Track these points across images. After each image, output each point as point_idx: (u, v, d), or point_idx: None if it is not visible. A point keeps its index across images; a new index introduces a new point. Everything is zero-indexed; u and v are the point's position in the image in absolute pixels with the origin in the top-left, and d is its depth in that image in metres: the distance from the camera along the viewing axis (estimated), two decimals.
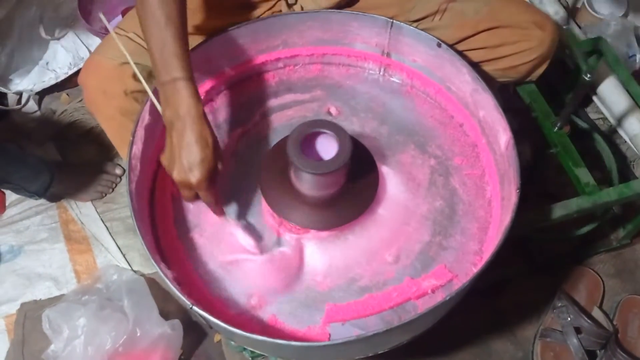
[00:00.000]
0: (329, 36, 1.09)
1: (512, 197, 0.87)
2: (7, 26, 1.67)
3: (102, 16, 0.90)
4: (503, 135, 0.93)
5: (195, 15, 1.08)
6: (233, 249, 0.93)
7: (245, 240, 0.93)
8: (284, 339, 0.77)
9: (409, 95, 1.11)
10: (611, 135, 1.56)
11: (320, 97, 1.10)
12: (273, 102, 1.09)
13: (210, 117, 1.06)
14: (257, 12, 1.12)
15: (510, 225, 0.84)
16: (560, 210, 1.11)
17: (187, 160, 0.83)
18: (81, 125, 1.65)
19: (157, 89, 0.89)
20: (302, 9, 1.11)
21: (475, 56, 1.12)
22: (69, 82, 1.69)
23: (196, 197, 0.88)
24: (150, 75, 1.06)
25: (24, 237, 1.51)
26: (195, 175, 0.83)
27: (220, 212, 0.93)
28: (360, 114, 1.08)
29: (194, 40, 1.02)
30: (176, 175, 0.84)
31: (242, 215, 0.97)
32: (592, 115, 1.58)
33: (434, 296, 0.90)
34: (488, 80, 1.09)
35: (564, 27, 1.58)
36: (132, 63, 0.94)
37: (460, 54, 1.03)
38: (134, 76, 1.04)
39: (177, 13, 0.87)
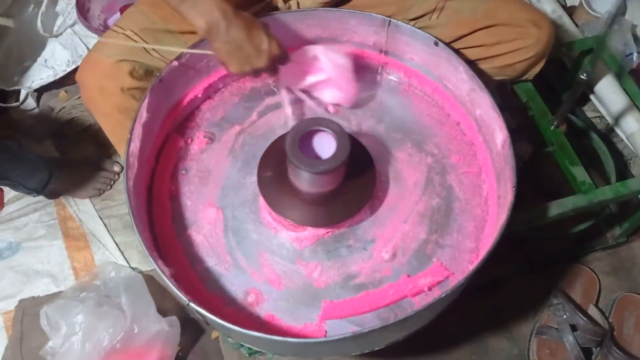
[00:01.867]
0: (327, 34, 1.10)
1: (508, 195, 0.87)
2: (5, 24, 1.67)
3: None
4: (499, 134, 0.94)
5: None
6: None
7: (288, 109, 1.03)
8: (280, 336, 0.78)
9: (406, 94, 1.11)
10: (608, 134, 1.56)
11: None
12: (270, 100, 1.10)
13: (208, 115, 1.08)
14: (254, 9, 1.13)
15: (507, 224, 0.84)
16: (556, 208, 1.11)
17: (251, 47, 0.89)
18: (79, 122, 1.65)
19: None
20: (298, 6, 1.11)
21: (472, 54, 1.13)
22: (68, 80, 1.69)
23: (259, 76, 0.96)
24: (147, 73, 1.06)
25: (22, 233, 1.51)
26: (276, 48, 0.91)
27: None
28: (357, 112, 1.08)
29: (194, 38, 1.03)
30: (263, 62, 0.91)
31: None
32: (589, 114, 1.58)
33: (430, 294, 0.90)
34: (485, 78, 1.10)
35: (561, 25, 1.59)
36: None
37: (457, 52, 1.04)
38: (131, 73, 1.04)
39: None
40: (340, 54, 1.02)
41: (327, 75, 1.02)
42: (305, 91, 1.05)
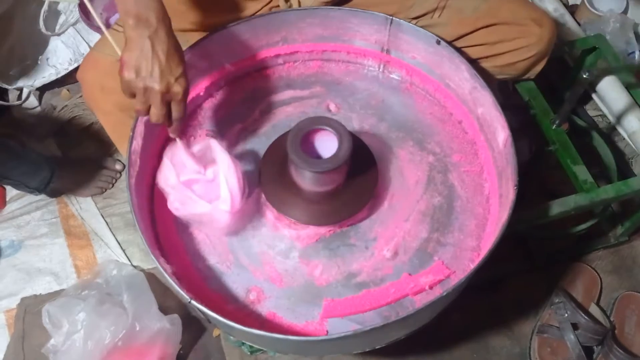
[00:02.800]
0: (329, 33, 1.10)
1: (510, 194, 0.87)
2: (7, 22, 1.67)
3: (93, 13, 0.89)
4: (501, 133, 0.94)
5: (194, 12, 1.08)
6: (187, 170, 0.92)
7: (192, 165, 0.91)
8: (282, 334, 0.78)
9: (408, 92, 1.11)
10: (610, 133, 1.56)
11: (320, 94, 1.10)
12: (272, 99, 1.10)
13: (209, 113, 1.08)
14: (256, 8, 1.13)
15: (508, 222, 0.84)
16: (557, 207, 1.11)
17: (173, 63, 0.81)
18: (81, 121, 1.65)
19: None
20: (299, 4, 1.11)
21: (473, 53, 1.13)
22: (70, 78, 1.69)
23: (149, 112, 0.84)
24: None
25: (25, 232, 1.51)
26: (181, 84, 0.82)
27: (180, 131, 0.89)
28: (359, 110, 1.08)
29: (194, 37, 1.03)
30: (152, 81, 0.80)
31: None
32: (591, 112, 1.58)
33: (431, 292, 0.90)
34: (487, 77, 1.10)
35: (563, 24, 1.59)
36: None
37: (459, 50, 1.04)
38: None
39: None
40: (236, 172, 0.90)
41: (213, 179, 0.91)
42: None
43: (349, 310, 0.88)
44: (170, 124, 0.87)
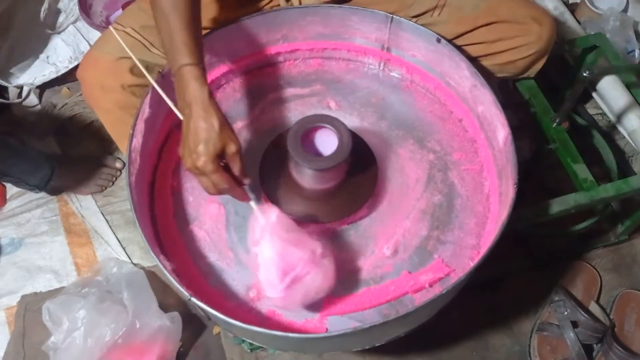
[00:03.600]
0: (329, 31, 1.10)
1: (510, 192, 0.87)
2: (8, 20, 1.67)
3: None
4: (501, 131, 0.94)
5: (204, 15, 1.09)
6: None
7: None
8: (281, 331, 0.78)
9: (409, 90, 1.11)
10: (610, 131, 1.56)
11: (320, 92, 1.10)
12: (273, 96, 1.10)
13: None
14: (257, 6, 1.13)
15: (508, 220, 0.84)
16: (557, 205, 1.11)
17: (194, 143, 0.82)
18: (81, 119, 1.65)
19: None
20: (300, 2, 1.11)
21: (473, 51, 1.13)
22: (70, 76, 1.69)
23: (218, 188, 0.84)
24: (148, 70, 1.06)
25: (25, 230, 1.52)
26: (200, 158, 0.81)
27: (242, 197, 0.87)
28: (359, 108, 1.08)
29: None
30: (186, 163, 0.83)
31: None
32: (592, 111, 1.58)
33: (431, 290, 0.90)
34: (487, 75, 1.10)
35: (563, 22, 1.59)
36: (134, 58, 0.95)
37: (460, 49, 1.04)
38: (131, 70, 1.05)
39: (184, 1, 0.87)
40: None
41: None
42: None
43: (348, 308, 0.89)
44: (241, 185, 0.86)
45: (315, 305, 0.88)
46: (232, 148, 0.83)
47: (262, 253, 0.81)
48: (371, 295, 0.90)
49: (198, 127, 0.82)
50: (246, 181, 0.87)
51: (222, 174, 0.83)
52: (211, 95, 0.84)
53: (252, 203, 0.86)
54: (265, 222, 0.82)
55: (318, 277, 0.81)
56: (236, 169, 0.85)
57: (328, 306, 0.89)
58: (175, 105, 0.88)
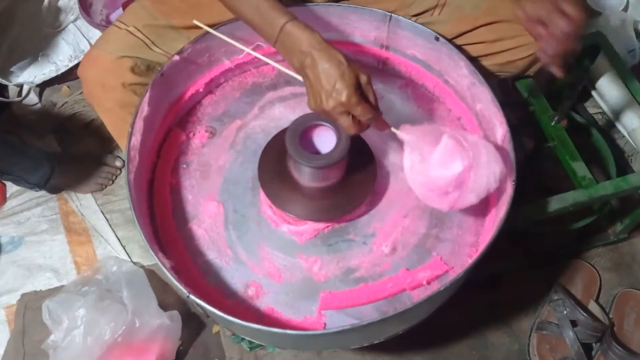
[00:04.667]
0: (328, 29, 1.10)
1: (508, 189, 0.87)
2: (8, 18, 1.67)
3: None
4: (499, 129, 0.94)
5: (195, 10, 1.09)
6: None
7: None
8: (280, 328, 0.78)
9: (407, 89, 1.11)
10: (609, 130, 1.56)
11: None
12: (272, 95, 1.10)
13: (209, 109, 1.08)
14: None
15: (506, 218, 0.84)
16: (556, 203, 1.11)
17: (328, 84, 0.81)
18: (81, 117, 1.65)
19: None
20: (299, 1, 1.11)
21: (473, 51, 1.12)
22: (70, 75, 1.69)
23: (359, 124, 0.84)
24: (148, 69, 1.07)
25: (25, 228, 1.52)
26: (342, 93, 0.80)
27: (384, 125, 0.88)
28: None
29: (196, 34, 1.03)
30: (329, 104, 0.82)
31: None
32: (591, 110, 1.58)
33: (429, 287, 0.91)
34: (486, 75, 1.10)
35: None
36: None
37: (459, 48, 1.04)
38: (132, 69, 1.05)
39: None
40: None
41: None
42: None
43: (346, 302, 0.89)
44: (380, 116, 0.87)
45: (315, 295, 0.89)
46: (364, 78, 0.83)
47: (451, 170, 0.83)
48: (369, 291, 0.90)
49: (328, 68, 0.81)
50: (379, 111, 0.87)
51: (365, 104, 0.83)
52: (323, 38, 0.84)
53: (394, 129, 0.88)
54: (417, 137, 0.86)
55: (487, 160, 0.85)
56: (371, 97, 0.85)
57: (325, 300, 0.89)
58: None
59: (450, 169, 0.84)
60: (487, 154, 0.85)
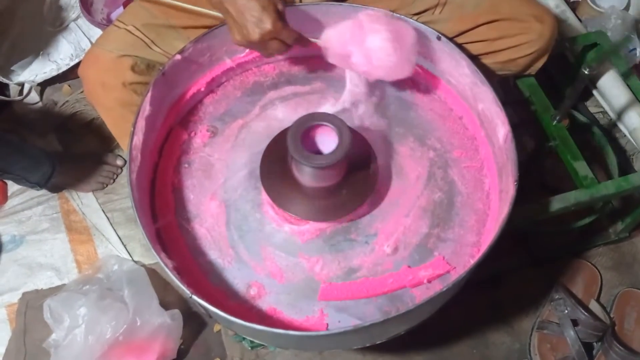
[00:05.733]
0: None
1: (510, 189, 0.87)
2: (9, 17, 1.67)
3: None
4: (502, 128, 0.94)
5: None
6: None
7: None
8: (282, 329, 0.78)
9: (408, 88, 1.11)
10: (611, 129, 1.56)
11: (320, 90, 1.10)
12: (273, 94, 1.10)
13: (210, 109, 1.08)
14: None
15: (508, 218, 0.84)
16: (558, 203, 1.11)
17: (252, 16, 0.86)
18: (82, 116, 1.65)
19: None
20: (300, 0, 1.11)
21: (474, 49, 1.12)
22: (71, 74, 1.69)
23: (283, 46, 0.91)
24: (148, 68, 1.07)
25: (26, 227, 1.52)
26: (268, 22, 0.86)
27: (306, 41, 0.94)
28: (360, 106, 1.08)
29: (195, 33, 1.03)
30: (256, 35, 0.87)
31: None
32: (592, 109, 1.58)
33: (431, 287, 0.91)
34: (487, 73, 1.10)
35: (564, 20, 1.58)
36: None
37: (460, 47, 1.03)
38: (133, 68, 1.05)
39: None
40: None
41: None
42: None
43: (345, 294, 0.89)
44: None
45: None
46: (280, 5, 0.89)
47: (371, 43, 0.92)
48: (369, 285, 0.90)
49: (247, 1, 0.86)
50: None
51: (290, 28, 0.90)
52: None
53: (315, 39, 0.95)
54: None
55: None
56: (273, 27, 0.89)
57: (325, 291, 0.89)
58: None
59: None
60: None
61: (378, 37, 0.92)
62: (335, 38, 0.94)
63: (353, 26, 0.94)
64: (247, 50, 1.10)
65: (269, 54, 0.92)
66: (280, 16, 0.88)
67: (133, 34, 1.06)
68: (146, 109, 0.95)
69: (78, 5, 1.68)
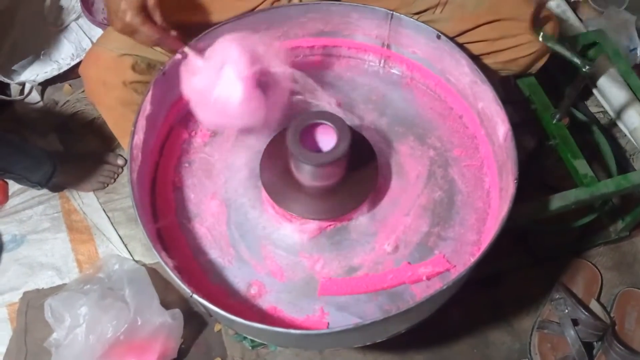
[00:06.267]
0: (330, 28, 1.10)
1: (510, 188, 0.87)
2: (10, 17, 1.67)
3: None
4: (501, 127, 0.94)
5: (197, 8, 1.09)
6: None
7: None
8: (283, 327, 0.78)
9: (409, 87, 1.11)
10: (611, 129, 1.56)
11: (321, 88, 1.10)
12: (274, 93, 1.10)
13: None
14: (257, 3, 1.13)
15: (508, 216, 0.84)
16: (558, 201, 1.11)
17: (115, 4, 0.88)
18: (83, 116, 1.65)
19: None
20: (300, 0, 1.11)
21: (475, 49, 1.12)
22: (72, 73, 1.69)
23: (152, 39, 0.91)
24: (149, 67, 1.07)
25: (27, 226, 1.52)
26: (126, 14, 0.87)
27: (176, 44, 0.94)
28: (360, 105, 1.08)
29: (197, 32, 1.03)
30: (117, 25, 0.89)
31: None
32: (593, 109, 1.58)
33: (430, 284, 0.91)
34: (488, 73, 1.10)
35: (565, 20, 1.59)
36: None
37: (460, 46, 1.04)
38: (133, 67, 1.05)
39: None
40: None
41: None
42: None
43: (345, 290, 0.89)
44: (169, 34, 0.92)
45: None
46: (150, 1, 0.89)
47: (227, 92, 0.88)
48: (369, 280, 0.90)
49: None
50: (173, 32, 0.93)
51: (151, 25, 0.90)
52: None
53: (187, 49, 0.93)
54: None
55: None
56: (157, 17, 0.91)
57: (325, 286, 0.90)
58: None
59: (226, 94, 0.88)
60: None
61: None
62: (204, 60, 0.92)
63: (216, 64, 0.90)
64: None
65: (142, 43, 0.93)
66: (143, 11, 0.88)
67: None
68: (147, 108, 0.95)
69: (79, 5, 1.68)
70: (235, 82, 0.88)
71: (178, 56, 1.00)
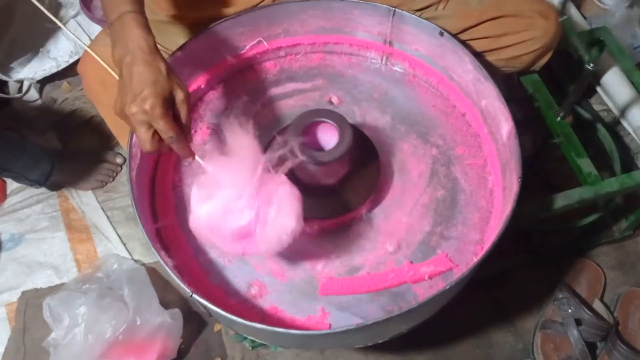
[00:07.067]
0: (331, 25, 1.09)
1: (514, 186, 0.86)
2: (8, 14, 1.66)
3: None
4: (505, 125, 0.93)
5: (196, 4, 1.08)
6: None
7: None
8: (283, 328, 0.77)
9: (411, 85, 1.10)
10: (615, 127, 1.55)
11: (322, 86, 1.10)
12: (274, 91, 1.09)
13: (211, 106, 1.07)
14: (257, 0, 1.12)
15: (512, 215, 0.83)
16: (562, 200, 1.10)
17: (138, 87, 0.74)
18: (82, 113, 1.65)
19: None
20: None
21: (478, 46, 1.12)
22: (70, 71, 1.68)
23: (158, 142, 0.77)
24: None
25: (25, 225, 1.51)
26: (147, 100, 0.73)
27: (187, 151, 0.80)
28: (362, 103, 1.07)
29: (196, 30, 1.02)
30: (131, 109, 0.74)
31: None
32: (597, 107, 1.57)
33: (432, 284, 0.90)
34: (491, 70, 1.09)
35: (566, 16, 1.57)
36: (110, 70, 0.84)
37: (463, 43, 1.03)
38: None
39: None
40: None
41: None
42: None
43: (345, 289, 0.88)
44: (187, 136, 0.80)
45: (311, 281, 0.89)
46: (180, 94, 0.78)
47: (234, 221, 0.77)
48: (370, 279, 0.89)
49: (143, 71, 0.75)
50: (190, 136, 0.81)
51: (170, 120, 0.76)
52: (156, 45, 0.79)
53: (198, 158, 0.80)
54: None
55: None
56: (184, 116, 0.78)
57: (326, 286, 0.89)
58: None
59: (234, 219, 0.77)
60: (279, 208, 0.77)
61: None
62: (216, 171, 0.80)
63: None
64: (248, 47, 1.09)
65: (139, 141, 0.77)
66: (167, 103, 0.76)
67: None
68: None
69: (78, 2, 1.67)
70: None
71: (177, 54, 0.99)
